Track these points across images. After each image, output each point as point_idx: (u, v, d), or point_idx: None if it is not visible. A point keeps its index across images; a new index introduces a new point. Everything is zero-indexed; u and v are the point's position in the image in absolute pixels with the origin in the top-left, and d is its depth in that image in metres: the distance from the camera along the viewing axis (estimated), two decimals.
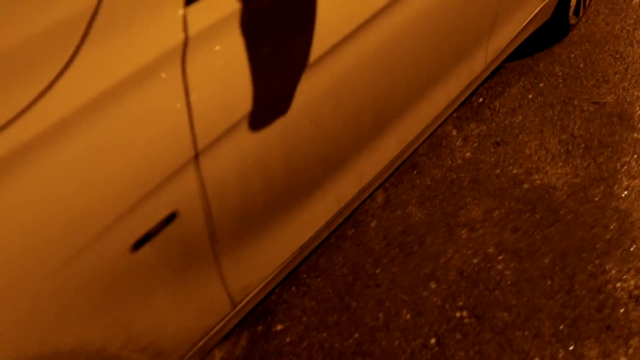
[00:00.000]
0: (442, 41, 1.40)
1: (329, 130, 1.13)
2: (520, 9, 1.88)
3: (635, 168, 1.97)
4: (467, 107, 2.20)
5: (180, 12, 0.83)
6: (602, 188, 1.91)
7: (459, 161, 1.99)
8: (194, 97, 0.84)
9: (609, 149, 2.04)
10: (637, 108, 2.23)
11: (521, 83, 2.34)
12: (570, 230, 1.79)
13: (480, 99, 2.25)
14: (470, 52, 1.63)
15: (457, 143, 2.05)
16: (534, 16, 2.08)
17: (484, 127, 2.12)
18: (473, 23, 1.53)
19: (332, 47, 1.04)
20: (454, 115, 2.17)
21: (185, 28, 0.83)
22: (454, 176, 1.93)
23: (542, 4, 2.09)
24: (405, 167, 1.96)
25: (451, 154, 2.01)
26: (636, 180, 1.93)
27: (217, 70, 0.87)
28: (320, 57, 1.02)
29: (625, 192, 1.89)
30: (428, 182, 1.91)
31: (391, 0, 1.14)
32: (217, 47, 0.86)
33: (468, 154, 2.01)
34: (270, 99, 0.95)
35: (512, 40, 1.98)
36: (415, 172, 1.95)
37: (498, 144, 2.06)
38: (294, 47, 0.97)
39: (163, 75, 0.81)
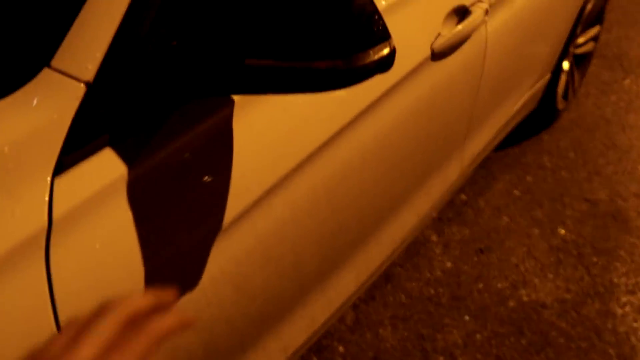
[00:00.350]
0: (403, 163, 1.25)
1: (259, 290, 0.95)
2: (500, 107, 1.75)
3: (633, 280, 1.78)
4: (449, 207, 2.03)
5: (45, 189, 0.67)
6: (597, 305, 1.71)
7: (438, 273, 1.80)
8: (59, 292, 0.67)
9: (604, 257, 1.86)
10: (633, 206, 2.06)
11: (507, 177, 2.19)
12: (562, 358, 1.58)
13: (464, 197, 2.08)
14: (442, 163, 1.48)
15: (437, 251, 1.87)
16: (518, 110, 1.94)
17: (467, 231, 1.94)
18: (441, 135, 1.38)
19: (257, 200, 0.87)
20: (435, 216, 2.00)
21: (50, 206, 0.67)
22: (432, 291, 1.74)
23: (526, 96, 1.96)
24: (379, 279, 1.77)
25: (429, 264, 1.82)
26: (635, 296, 1.73)
27: (92, 255, 0.70)
28: (240, 214, 0.85)
29: (623, 310, 1.70)
30: (403, 299, 1.72)
31: (334, 134, 0.99)
32: (93, 226, 0.70)
33: (448, 264, 1.83)
34: (170, 277, 0.78)
35: (493, 139, 1.83)
36: (389, 285, 1.76)
37: (482, 251, 1.87)
38: (202, 212, 0.80)
39: (19, 268, 0.64)
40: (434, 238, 1.91)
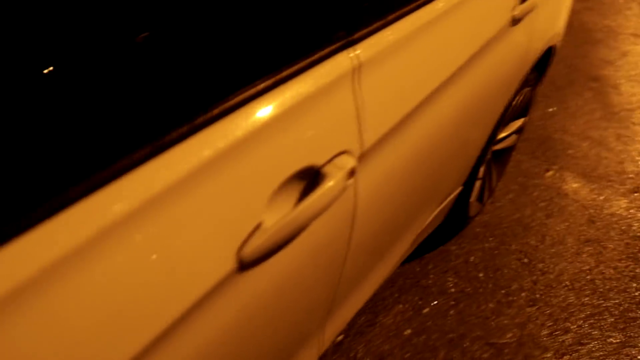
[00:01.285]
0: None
1: None
2: (386, 256, 1.30)
3: None
4: None
5: None
6: None
7: None
8: None
9: None
10: (547, 356, 1.68)
11: (401, 307, 1.76)
12: None
13: (341, 336, 1.63)
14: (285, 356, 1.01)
15: None
16: (414, 239, 1.51)
17: None
18: (273, 345, 0.91)
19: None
20: None
21: None
22: None
23: (428, 221, 1.54)
24: None
25: None
26: None
27: None
28: None
29: None
30: None
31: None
32: None
33: None
34: None
35: (376, 288, 1.39)
36: None
37: None
38: None
39: None
40: None
